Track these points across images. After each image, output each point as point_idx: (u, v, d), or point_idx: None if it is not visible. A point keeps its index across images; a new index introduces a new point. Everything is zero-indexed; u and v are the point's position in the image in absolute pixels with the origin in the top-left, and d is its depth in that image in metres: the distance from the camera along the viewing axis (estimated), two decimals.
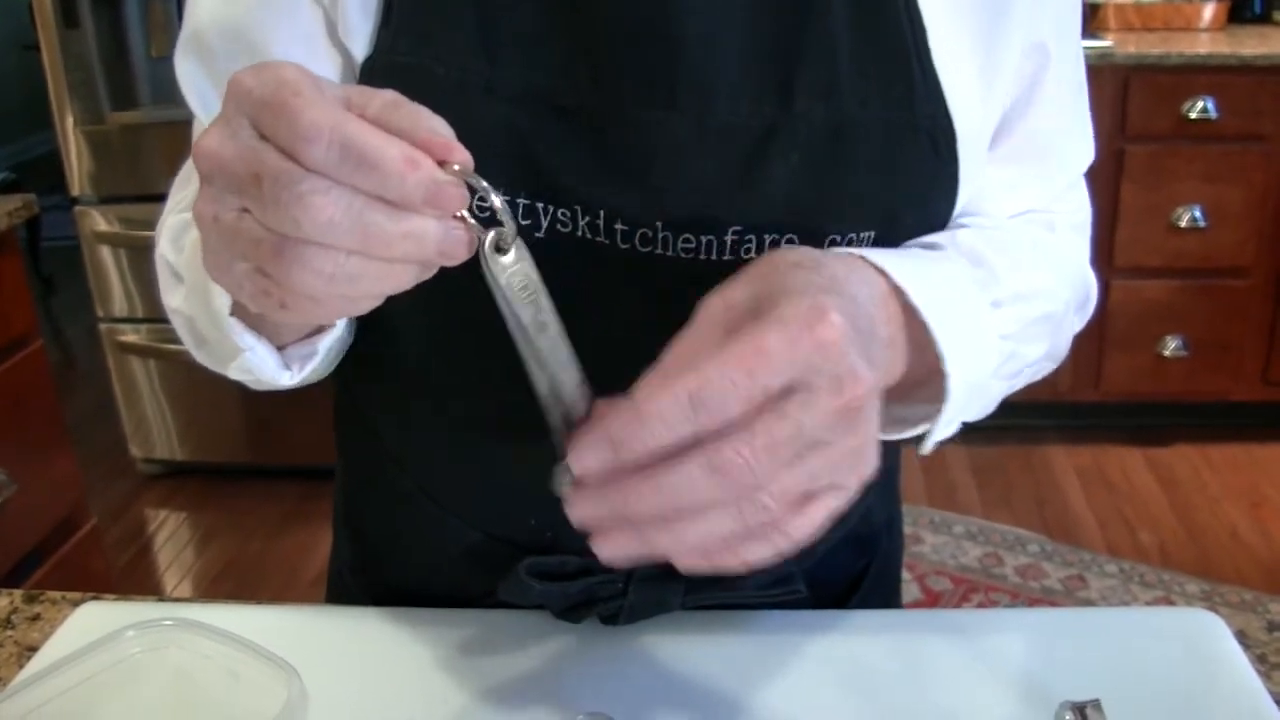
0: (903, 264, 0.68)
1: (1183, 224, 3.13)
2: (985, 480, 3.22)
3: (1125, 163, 3.09)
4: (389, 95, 0.54)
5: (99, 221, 3.11)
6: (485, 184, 0.55)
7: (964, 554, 2.92)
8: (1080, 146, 0.88)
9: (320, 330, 0.77)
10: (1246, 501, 3.11)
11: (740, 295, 0.59)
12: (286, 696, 0.65)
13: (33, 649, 0.89)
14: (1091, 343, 3.26)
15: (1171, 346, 3.25)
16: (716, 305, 0.60)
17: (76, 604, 0.92)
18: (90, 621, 0.89)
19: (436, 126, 0.54)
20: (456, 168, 0.54)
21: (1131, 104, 3.06)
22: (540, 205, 0.75)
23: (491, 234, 0.56)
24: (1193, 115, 3.05)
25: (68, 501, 2.34)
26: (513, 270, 0.58)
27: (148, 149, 3.07)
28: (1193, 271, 3.19)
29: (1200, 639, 0.86)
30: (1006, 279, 0.76)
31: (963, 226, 0.82)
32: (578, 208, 0.75)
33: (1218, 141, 3.09)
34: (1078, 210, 0.90)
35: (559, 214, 0.75)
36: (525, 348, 0.59)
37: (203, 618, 0.76)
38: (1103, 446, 3.35)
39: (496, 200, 0.56)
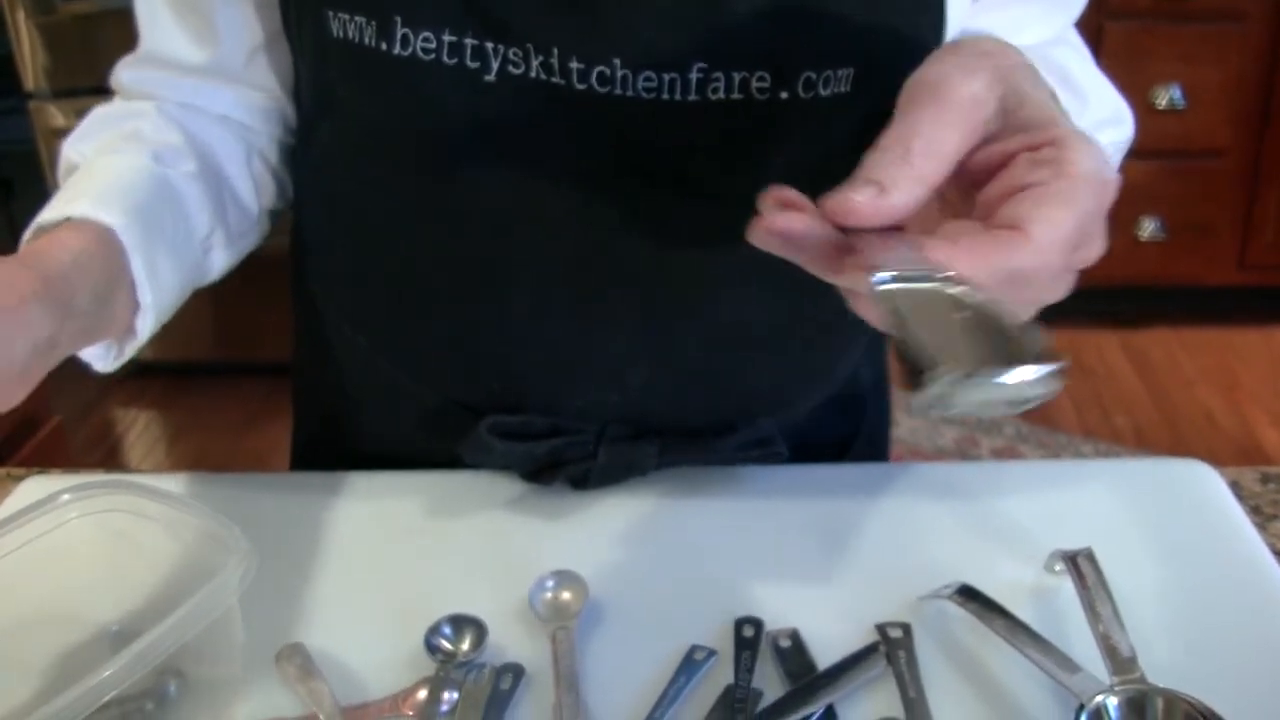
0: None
1: (1161, 104, 3.08)
2: None
3: (1104, 40, 3.03)
4: None
5: (55, 117, 3.03)
6: None
7: (940, 436, 2.92)
8: None
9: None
10: (1221, 385, 3.10)
11: (984, 92, 0.55)
12: (230, 555, 0.61)
13: None
14: None
15: (1148, 229, 3.21)
16: (962, 94, 0.55)
17: (21, 479, 0.89)
18: (35, 495, 0.85)
19: None
20: None
21: None
22: (489, 46, 0.71)
23: None
24: None
25: (28, 400, 2.29)
26: None
27: (102, 39, 2.97)
28: (1171, 153, 3.14)
29: (1194, 488, 0.84)
30: (1094, 102, 0.74)
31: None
32: (529, 46, 0.70)
33: (1197, 20, 3.03)
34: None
35: (509, 54, 0.71)
36: None
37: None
38: (1078, 330, 3.32)
39: None
